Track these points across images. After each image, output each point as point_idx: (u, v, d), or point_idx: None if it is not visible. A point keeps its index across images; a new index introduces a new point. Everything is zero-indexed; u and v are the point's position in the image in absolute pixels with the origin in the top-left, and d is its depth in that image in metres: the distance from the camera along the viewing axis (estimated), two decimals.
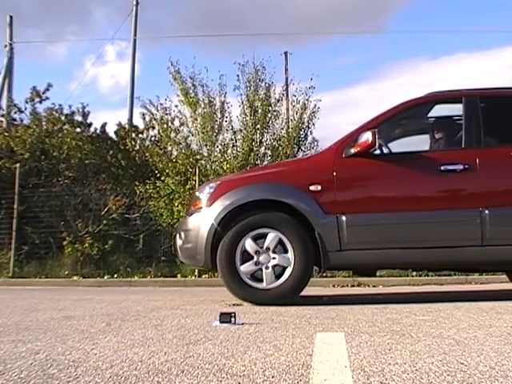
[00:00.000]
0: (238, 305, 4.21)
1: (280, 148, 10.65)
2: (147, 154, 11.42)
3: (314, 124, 11.04)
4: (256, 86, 10.88)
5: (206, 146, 10.84)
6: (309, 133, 11.08)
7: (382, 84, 41.14)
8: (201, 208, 4.49)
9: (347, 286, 7.87)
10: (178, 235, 4.78)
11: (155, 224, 10.33)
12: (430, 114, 5.07)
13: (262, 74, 10.92)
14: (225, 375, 1.82)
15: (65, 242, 9.88)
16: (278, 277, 4.24)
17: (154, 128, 12.09)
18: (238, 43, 38.59)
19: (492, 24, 39.44)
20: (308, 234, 4.25)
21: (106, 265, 9.81)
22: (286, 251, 4.24)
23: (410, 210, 4.33)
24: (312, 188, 4.30)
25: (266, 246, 4.25)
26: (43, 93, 12.18)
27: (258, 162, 10.52)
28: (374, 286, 7.73)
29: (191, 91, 10.98)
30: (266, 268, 4.23)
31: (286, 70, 14.68)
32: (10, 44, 15.62)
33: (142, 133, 12.48)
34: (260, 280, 4.26)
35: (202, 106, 10.92)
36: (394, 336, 2.57)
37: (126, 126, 13.09)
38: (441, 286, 7.53)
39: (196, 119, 10.89)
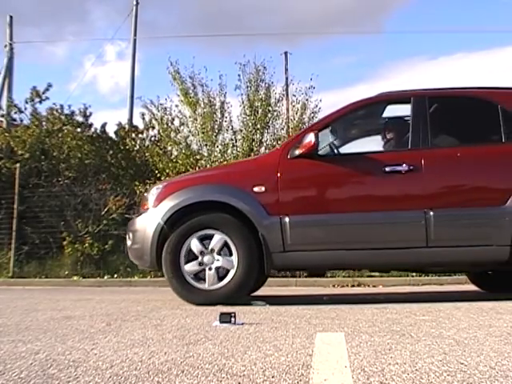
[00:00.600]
0: (238, 305, 4.21)
1: None
2: (147, 154, 11.42)
3: None
4: (257, 86, 10.88)
5: (206, 145, 10.83)
6: None
7: (381, 84, 41.14)
8: (148, 209, 4.53)
9: (347, 285, 7.87)
10: (127, 236, 4.82)
11: None
12: (385, 115, 5.06)
13: (262, 74, 10.93)
14: (225, 375, 1.82)
15: (65, 242, 9.87)
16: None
17: (153, 128, 12.08)
18: (237, 44, 38.66)
19: (492, 24, 39.43)
20: (252, 235, 4.28)
21: (105, 265, 9.81)
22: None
23: (354, 211, 4.35)
24: (256, 189, 4.33)
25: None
26: (43, 93, 12.16)
27: None
28: (374, 286, 7.73)
29: (191, 91, 10.97)
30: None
31: (286, 69, 14.64)
32: (10, 44, 15.60)
33: (141, 133, 12.47)
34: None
35: (202, 105, 10.91)
36: (394, 336, 2.57)
37: (126, 126, 13.09)
38: (441, 286, 7.53)
39: (196, 119, 10.88)
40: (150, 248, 4.37)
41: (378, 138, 5.14)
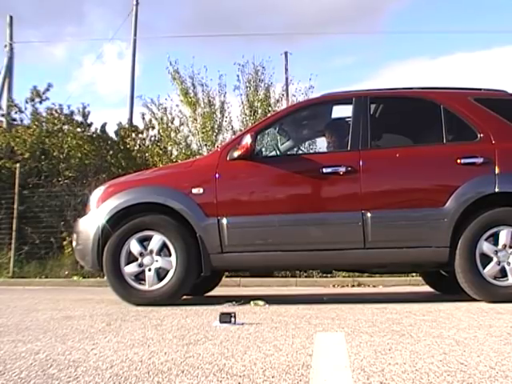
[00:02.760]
0: (238, 305, 4.21)
1: None
2: (147, 154, 11.43)
3: None
4: (256, 87, 10.90)
5: (205, 145, 10.84)
6: None
7: (381, 84, 41.06)
8: (90, 210, 4.60)
9: (347, 286, 7.87)
10: (73, 237, 4.88)
11: None
12: (333, 116, 5.05)
13: (261, 75, 10.95)
14: (225, 375, 1.82)
15: (65, 242, 9.86)
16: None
17: (154, 128, 12.09)
18: (235, 44, 38.61)
19: (492, 24, 39.40)
20: (190, 236, 4.29)
21: None
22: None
23: (291, 213, 4.35)
24: (194, 191, 4.35)
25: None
26: (43, 93, 12.15)
27: None
28: (374, 286, 7.73)
29: (191, 91, 11.00)
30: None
31: (286, 69, 14.66)
32: (10, 44, 15.59)
33: (142, 133, 12.46)
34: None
35: (202, 105, 10.94)
36: (394, 336, 2.57)
37: (126, 126, 13.09)
38: None
39: (196, 119, 10.90)
40: (92, 249, 4.42)
41: (322, 139, 5.15)
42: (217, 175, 4.37)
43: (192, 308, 4.06)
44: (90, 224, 4.50)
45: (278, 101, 11.14)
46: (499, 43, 48.48)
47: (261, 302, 4.26)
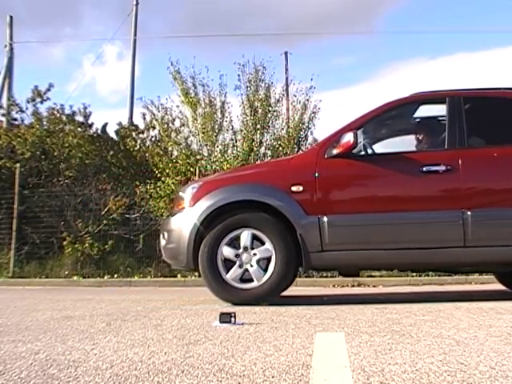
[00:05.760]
0: (238, 305, 4.21)
1: (280, 148, 10.65)
2: (148, 154, 11.42)
3: (314, 124, 11.06)
4: (256, 87, 10.89)
5: (206, 146, 10.84)
6: (309, 133, 11.09)
7: (381, 84, 41.11)
8: (183, 208, 4.52)
9: (347, 286, 7.87)
10: (161, 235, 4.81)
11: (155, 224, 10.30)
12: (417, 115, 5.06)
13: (262, 75, 10.94)
14: (225, 375, 1.82)
15: (65, 242, 9.87)
16: (266, 269, 4.26)
17: (154, 128, 12.09)
18: (232, 47, 38.55)
19: (492, 24, 39.39)
20: (289, 234, 4.27)
21: (106, 265, 9.81)
22: (262, 243, 4.26)
23: (391, 211, 4.34)
24: (294, 189, 4.32)
25: (243, 245, 4.27)
26: (44, 93, 12.16)
27: (258, 161, 10.52)
28: (374, 286, 7.73)
29: (191, 91, 10.99)
30: (251, 266, 4.26)
31: (287, 69, 14.71)
32: (10, 44, 15.59)
33: (142, 133, 12.48)
34: (247, 281, 4.28)
35: (203, 105, 10.93)
36: (394, 336, 2.57)
37: (127, 126, 13.09)
38: (441, 286, 7.52)
39: (196, 119, 10.90)
40: (187, 248, 4.34)
41: (409, 137, 5.14)
42: (316, 173, 4.36)
43: (192, 308, 4.06)
44: (185, 223, 4.40)
45: (278, 101, 11.12)
46: (499, 44, 48.49)
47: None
